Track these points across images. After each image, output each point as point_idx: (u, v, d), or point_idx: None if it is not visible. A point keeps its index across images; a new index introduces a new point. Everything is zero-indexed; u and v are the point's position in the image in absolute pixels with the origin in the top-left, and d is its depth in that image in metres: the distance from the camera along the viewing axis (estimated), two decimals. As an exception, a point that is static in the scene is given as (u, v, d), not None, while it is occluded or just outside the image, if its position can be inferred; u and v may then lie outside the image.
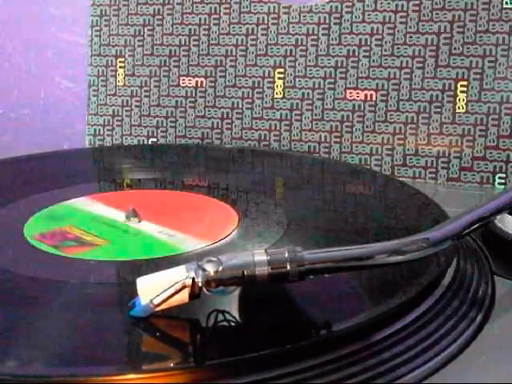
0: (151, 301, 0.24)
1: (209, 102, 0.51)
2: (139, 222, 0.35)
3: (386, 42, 0.47)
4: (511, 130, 0.45)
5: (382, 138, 0.47)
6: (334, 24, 0.48)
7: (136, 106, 0.52)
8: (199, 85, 0.51)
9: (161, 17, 0.51)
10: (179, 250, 0.31)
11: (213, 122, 0.51)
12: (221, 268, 0.24)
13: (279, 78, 0.49)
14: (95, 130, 0.53)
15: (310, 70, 0.48)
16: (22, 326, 0.25)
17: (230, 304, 0.25)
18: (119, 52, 0.52)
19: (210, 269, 0.24)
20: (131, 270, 0.30)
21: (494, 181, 0.45)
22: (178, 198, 0.39)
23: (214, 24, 0.50)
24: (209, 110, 0.51)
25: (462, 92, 0.45)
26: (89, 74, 0.53)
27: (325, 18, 0.48)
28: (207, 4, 0.50)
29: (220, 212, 0.36)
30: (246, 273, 0.24)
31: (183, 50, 0.51)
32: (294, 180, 0.43)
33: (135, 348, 0.24)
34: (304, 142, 0.49)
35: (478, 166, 0.45)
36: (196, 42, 0.50)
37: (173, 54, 0.51)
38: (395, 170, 0.47)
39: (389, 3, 0.47)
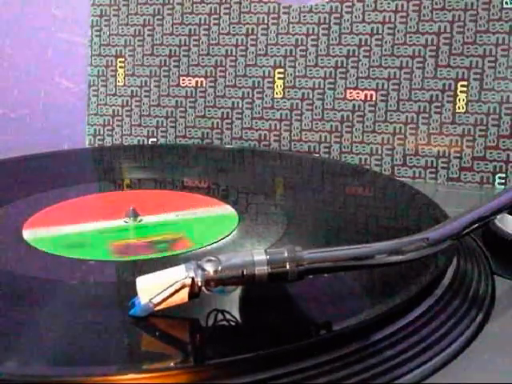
0: (150, 300, 0.24)
1: (209, 102, 0.51)
2: (140, 220, 0.34)
3: (385, 42, 0.47)
4: (511, 130, 0.45)
5: (382, 138, 0.47)
6: (334, 24, 0.48)
7: (136, 106, 0.52)
8: (199, 85, 0.51)
9: (161, 17, 0.51)
10: (228, 216, 0.33)
11: (213, 122, 0.51)
12: (220, 267, 0.24)
13: (279, 78, 0.49)
14: (95, 130, 0.53)
15: (310, 70, 0.48)
16: (22, 326, 0.25)
17: (230, 304, 0.25)
18: (119, 52, 0.52)
19: (210, 268, 0.24)
20: (131, 270, 0.30)
21: (494, 181, 0.45)
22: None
23: (214, 24, 0.50)
24: (209, 110, 0.51)
25: (462, 92, 0.45)
26: (89, 73, 0.53)
27: (325, 18, 0.48)
28: (207, 4, 0.50)
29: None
30: (245, 272, 0.24)
31: (183, 50, 0.51)
32: (293, 180, 0.43)
33: (135, 348, 0.24)
34: (304, 142, 0.49)
35: (478, 165, 0.45)
36: (196, 42, 0.50)
37: (173, 54, 0.51)
38: (395, 170, 0.47)
39: (389, 3, 0.47)
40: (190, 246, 0.31)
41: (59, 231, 0.34)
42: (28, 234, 0.33)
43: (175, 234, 0.33)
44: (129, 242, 0.33)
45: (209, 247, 0.31)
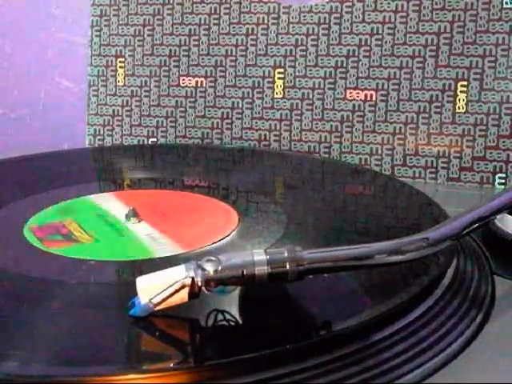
0: (150, 300, 0.24)
1: (209, 102, 0.51)
2: (139, 222, 0.35)
3: (385, 42, 0.47)
4: (511, 130, 0.45)
5: (382, 138, 0.47)
6: (334, 24, 0.48)
7: (136, 106, 0.52)
8: (199, 85, 0.51)
9: (161, 17, 0.51)
10: (149, 255, 0.31)
11: (213, 122, 0.51)
12: (220, 267, 0.24)
13: (279, 78, 0.49)
14: (95, 129, 0.53)
15: (310, 70, 0.48)
16: (22, 326, 0.25)
17: (230, 304, 0.25)
18: (119, 52, 0.52)
19: (210, 268, 0.24)
20: (131, 270, 0.30)
21: (494, 181, 0.45)
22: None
23: (214, 24, 0.50)
24: (209, 110, 0.51)
25: (462, 92, 0.45)
26: (89, 74, 0.53)
27: (325, 18, 0.48)
28: (207, 4, 0.50)
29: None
30: (245, 272, 0.24)
31: (183, 50, 0.51)
32: (294, 180, 0.43)
33: (135, 348, 0.24)
34: (304, 142, 0.49)
35: (478, 165, 0.45)
36: (196, 42, 0.50)
37: (173, 54, 0.51)
38: (395, 170, 0.47)
39: (389, 3, 0.47)
40: (66, 246, 0.32)
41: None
42: None
43: (86, 237, 0.33)
44: (59, 222, 0.34)
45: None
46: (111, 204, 0.37)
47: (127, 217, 0.35)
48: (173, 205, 0.38)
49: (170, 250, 0.31)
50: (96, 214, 0.36)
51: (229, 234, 0.33)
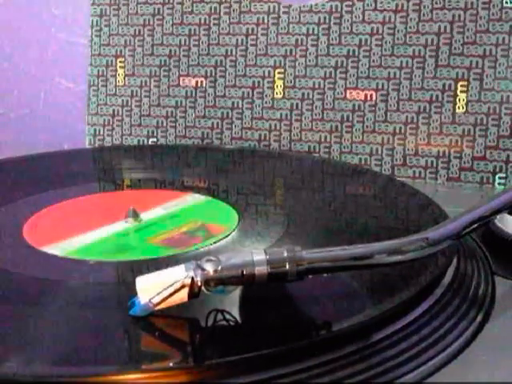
0: (150, 300, 0.24)
1: (209, 101, 0.51)
2: (140, 220, 0.34)
3: (386, 42, 0.47)
4: (511, 130, 0.45)
5: (382, 138, 0.47)
6: (334, 24, 0.48)
7: (136, 106, 0.52)
8: (199, 85, 0.51)
9: (161, 17, 0.51)
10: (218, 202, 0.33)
11: (213, 122, 0.51)
12: (220, 267, 0.24)
13: (279, 78, 0.49)
14: (95, 129, 0.53)
15: (310, 70, 0.48)
16: (22, 326, 0.25)
17: (230, 303, 0.25)
18: (119, 52, 0.52)
19: (209, 268, 0.24)
20: (131, 270, 0.30)
21: (494, 181, 0.45)
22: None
23: (214, 24, 0.50)
24: (209, 110, 0.51)
25: (462, 92, 0.45)
26: (89, 73, 0.53)
27: (325, 17, 0.48)
28: (207, 4, 0.50)
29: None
30: (245, 272, 0.24)
31: (183, 50, 0.51)
32: (293, 180, 0.43)
33: (135, 348, 0.24)
34: (304, 142, 0.49)
35: (478, 165, 0.45)
36: (196, 42, 0.50)
37: (173, 54, 0.51)
38: (395, 170, 0.47)
39: (389, 3, 0.47)
40: (224, 229, 0.32)
41: (83, 240, 0.33)
42: (55, 251, 0.32)
43: (195, 222, 0.34)
44: (166, 235, 0.33)
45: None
46: (98, 232, 0.34)
47: (130, 217, 0.34)
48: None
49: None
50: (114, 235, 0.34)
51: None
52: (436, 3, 0.46)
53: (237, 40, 0.50)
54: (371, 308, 0.26)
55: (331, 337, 0.24)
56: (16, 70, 0.63)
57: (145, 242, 0.32)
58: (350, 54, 0.47)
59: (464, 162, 0.46)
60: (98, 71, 0.52)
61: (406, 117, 0.47)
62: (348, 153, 0.48)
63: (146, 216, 0.35)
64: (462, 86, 0.45)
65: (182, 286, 0.24)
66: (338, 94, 0.48)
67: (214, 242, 0.32)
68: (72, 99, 0.62)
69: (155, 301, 0.24)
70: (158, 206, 0.36)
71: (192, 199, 0.37)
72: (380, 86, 0.47)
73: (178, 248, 0.31)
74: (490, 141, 0.45)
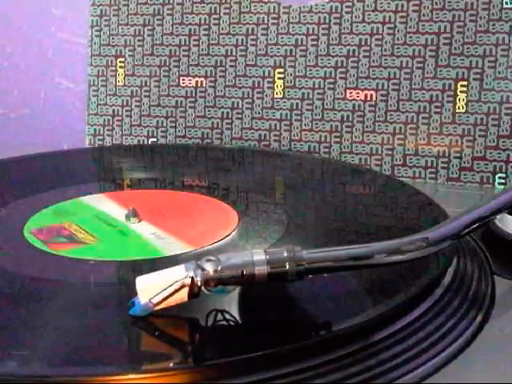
0: (150, 300, 0.24)
1: (209, 101, 0.51)
2: (139, 221, 0.35)
3: (386, 42, 0.47)
4: (511, 130, 0.45)
5: (382, 138, 0.47)
6: (334, 24, 0.48)
7: (136, 106, 0.52)
8: (199, 85, 0.51)
9: (161, 17, 0.51)
10: (159, 254, 0.31)
11: (213, 122, 0.51)
12: (220, 267, 0.24)
13: (279, 78, 0.49)
14: (95, 129, 0.53)
15: (310, 70, 0.48)
16: (22, 326, 0.25)
17: (230, 303, 0.25)
18: (119, 52, 0.52)
19: (209, 268, 0.24)
20: (131, 270, 0.30)
21: (494, 181, 0.45)
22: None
23: (214, 24, 0.50)
24: (209, 110, 0.51)
25: (462, 92, 0.45)
26: (89, 73, 0.53)
27: (325, 17, 0.48)
28: (207, 4, 0.50)
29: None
30: (245, 272, 0.24)
31: (183, 50, 0.51)
32: (294, 180, 0.43)
33: (135, 348, 0.24)
34: (304, 142, 0.49)
35: (478, 165, 0.45)
36: (196, 42, 0.50)
37: (173, 54, 0.51)
38: (395, 170, 0.47)
39: (389, 3, 0.47)
40: (60, 250, 0.31)
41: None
42: None
43: (91, 238, 0.33)
44: (68, 225, 0.34)
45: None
46: (106, 205, 0.37)
47: (127, 217, 0.35)
48: (171, 205, 0.38)
49: (179, 248, 0.31)
50: (93, 215, 0.36)
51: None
52: (436, 3, 0.46)
53: (237, 40, 0.50)
54: (371, 308, 0.26)
55: (331, 337, 0.24)
56: (16, 70, 0.63)
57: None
58: (350, 53, 0.47)
59: (464, 162, 0.46)
60: (98, 71, 0.52)
61: (406, 117, 0.47)
62: (348, 153, 0.48)
63: (141, 225, 0.35)
64: (461, 86, 0.45)
65: (182, 286, 0.24)
66: (338, 94, 0.48)
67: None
68: (72, 99, 0.62)
69: (155, 301, 0.24)
70: (161, 228, 0.35)
71: (173, 249, 0.34)
72: (380, 86, 0.47)
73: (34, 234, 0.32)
74: (489, 141, 0.45)
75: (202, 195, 0.39)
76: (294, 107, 0.49)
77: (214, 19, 0.50)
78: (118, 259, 0.31)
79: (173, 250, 0.31)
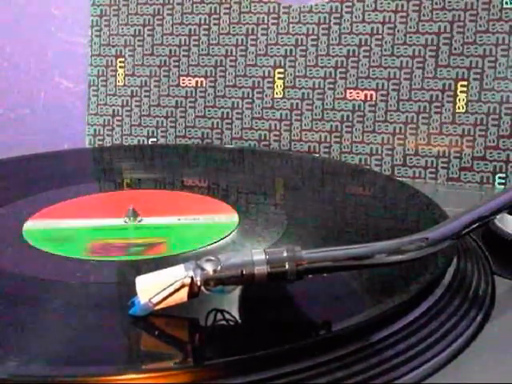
0: (150, 300, 0.24)
1: (209, 101, 0.51)
2: (140, 221, 0.34)
3: (386, 42, 0.47)
4: (511, 130, 0.45)
5: (382, 138, 0.47)
6: (334, 24, 0.48)
7: (136, 106, 0.52)
8: (199, 85, 0.51)
9: (161, 17, 0.51)
10: (228, 224, 0.32)
11: (213, 122, 0.51)
12: (219, 267, 0.24)
13: (279, 78, 0.49)
14: (95, 130, 0.53)
15: (310, 70, 0.48)
16: (22, 326, 0.25)
17: (229, 303, 0.25)
18: (119, 52, 0.52)
19: (209, 268, 0.24)
20: (130, 270, 0.30)
21: (494, 181, 0.45)
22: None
23: (214, 24, 0.50)
24: (209, 110, 0.51)
25: (462, 92, 0.45)
26: (89, 73, 0.53)
27: (325, 17, 0.48)
28: (207, 4, 0.50)
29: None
30: (244, 272, 0.24)
31: (183, 50, 0.51)
32: (293, 180, 0.43)
33: (135, 348, 0.24)
34: (304, 142, 0.49)
35: (478, 165, 0.45)
36: (196, 42, 0.50)
37: (173, 54, 0.51)
38: (395, 170, 0.47)
39: (389, 3, 0.47)
40: (161, 252, 0.31)
41: (56, 224, 0.34)
42: (28, 225, 0.34)
43: (158, 239, 0.32)
44: (108, 241, 0.32)
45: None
46: (89, 222, 0.35)
47: (128, 217, 0.34)
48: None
49: (226, 217, 0.32)
50: (92, 230, 0.34)
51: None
52: (436, 3, 0.46)
53: (237, 40, 0.50)
54: (371, 308, 0.26)
55: (331, 337, 0.24)
56: (16, 69, 0.63)
57: (84, 242, 0.32)
58: (350, 53, 0.47)
59: (464, 162, 0.46)
60: (98, 71, 0.52)
61: (406, 117, 0.47)
62: (348, 153, 0.48)
63: (150, 220, 0.35)
64: (461, 86, 0.45)
65: (182, 286, 0.24)
66: (338, 94, 0.48)
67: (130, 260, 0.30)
68: (72, 99, 0.62)
69: (155, 301, 0.24)
70: (179, 215, 0.35)
71: (222, 217, 0.35)
72: (380, 86, 0.47)
73: (94, 255, 0.31)
74: (489, 141, 0.45)
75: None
76: (294, 107, 0.49)
77: (214, 19, 0.50)
78: (186, 249, 0.30)
79: (224, 219, 0.32)
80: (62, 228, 0.34)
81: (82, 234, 0.33)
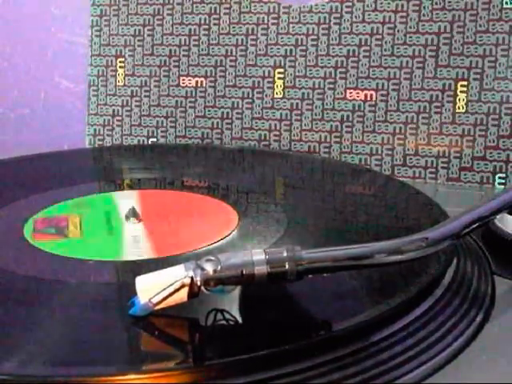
0: (150, 300, 0.24)
1: (209, 101, 0.51)
2: (139, 222, 0.34)
3: (386, 42, 0.47)
4: (511, 130, 0.45)
5: (382, 138, 0.47)
6: (334, 24, 0.48)
7: (136, 106, 0.52)
8: (199, 85, 0.51)
9: (161, 17, 0.51)
10: (118, 257, 0.31)
11: (213, 122, 0.51)
12: (219, 267, 0.24)
13: (279, 78, 0.49)
14: (95, 129, 0.53)
15: (310, 70, 0.48)
16: (22, 326, 0.25)
17: (229, 303, 0.25)
18: (119, 52, 0.52)
19: (209, 268, 0.24)
20: (130, 270, 0.30)
21: (494, 181, 0.45)
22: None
23: (214, 24, 0.50)
24: (209, 110, 0.51)
25: (462, 92, 0.45)
26: (89, 74, 0.53)
27: (325, 17, 0.48)
28: (207, 4, 0.50)
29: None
30: (244, 272, 0.24)
31: (183, 50, 0.51)
32: (294, 180, 0.43)
33: (135, 348, 0.24)
34: (304, 142, 0.49)
35: (478, 165, 0.45)
36: (196, 42, 0.50)
37: (173, 54, 0.51)
38: (395, 170, 0.47)
39: (389, 3, 0.47)
40: (52, 240, 0.32)
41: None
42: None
43: (79, 234, 0.33)
44: (65, 216, 0.35)
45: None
46: (128, 202, 0.37)
47: (126, 217, 0.35)
48: (184, 206, 0.38)
49: (142, 254, 0.31)
50: (105, 211, 0.36)
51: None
52: (436, 3, 0.46)
53: (237, 40, 0.50)
54: (371, 308, 0.26)
55: (331, 337, 0.24)
56: (16, 69, 0.63)
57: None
58: (350, 53, 0.47)
59: (464, 162, 0.46)
60: (98, 71, 0.52)
61: (406, 117, 0.47)
62: (348, 153, 0.48)
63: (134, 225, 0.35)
64: (461, 86, 0.45)
65: (182, 286, 0.24)
66: (338, 94, 0.48)
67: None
68: (72, 99, 0.62)
69: (155, 300, 0.24)
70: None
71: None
72: (380, 86, 0.47)
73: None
74: (489, 141, 0.45)
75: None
76: (294, 107, 0.49)
77: (214, 19, 0.50)
78: (79, 257, 0.30)
79: (132, 255, 0.31)
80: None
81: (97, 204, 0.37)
